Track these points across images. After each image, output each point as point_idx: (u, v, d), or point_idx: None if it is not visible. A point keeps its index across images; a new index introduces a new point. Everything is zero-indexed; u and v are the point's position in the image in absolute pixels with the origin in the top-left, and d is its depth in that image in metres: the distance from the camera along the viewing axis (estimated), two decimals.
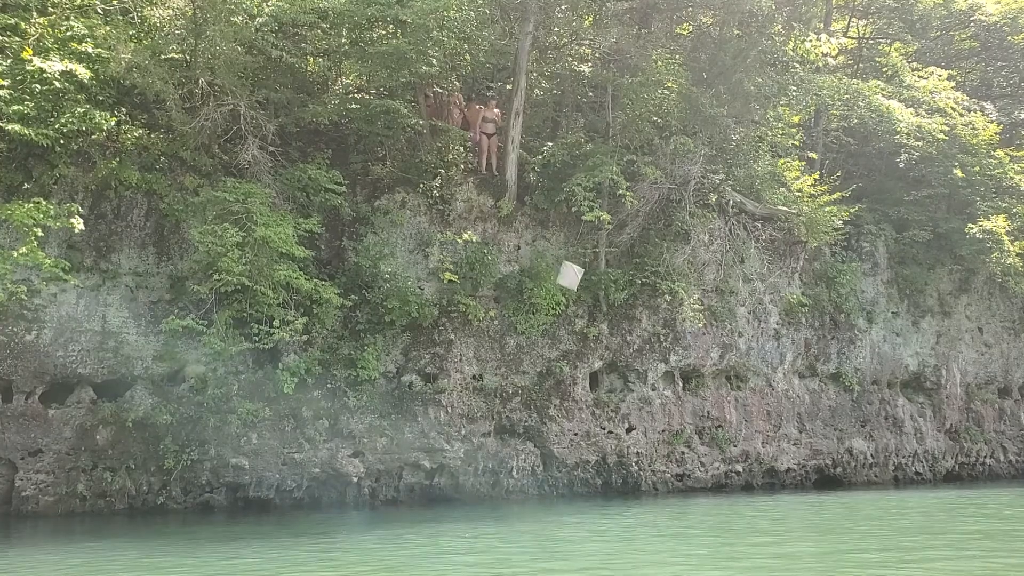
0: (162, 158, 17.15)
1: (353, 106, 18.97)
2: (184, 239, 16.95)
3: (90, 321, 16.64)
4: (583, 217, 19.19)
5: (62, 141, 15.26)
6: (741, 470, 22.57)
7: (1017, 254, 24.43)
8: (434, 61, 18.38)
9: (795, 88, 22.08)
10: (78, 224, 14.60)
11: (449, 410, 18.90)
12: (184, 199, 16.84)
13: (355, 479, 18.18)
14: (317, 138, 19.36)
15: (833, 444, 24.24)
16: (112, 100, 16.39)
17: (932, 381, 26.40)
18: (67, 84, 14.97)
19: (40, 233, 14.10)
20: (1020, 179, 26.37)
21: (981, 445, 27.16)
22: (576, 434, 20.10)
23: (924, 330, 26.54)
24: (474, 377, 19.35)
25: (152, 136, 17.22)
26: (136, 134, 17.03)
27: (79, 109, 15.10)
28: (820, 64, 23.52)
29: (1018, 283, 25.37)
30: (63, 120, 14.96)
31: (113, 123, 15.68)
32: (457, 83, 20.91)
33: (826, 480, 23.98)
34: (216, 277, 15.43)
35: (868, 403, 25.14)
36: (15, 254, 13.90)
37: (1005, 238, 24.33)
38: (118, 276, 16.90)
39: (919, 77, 27.07)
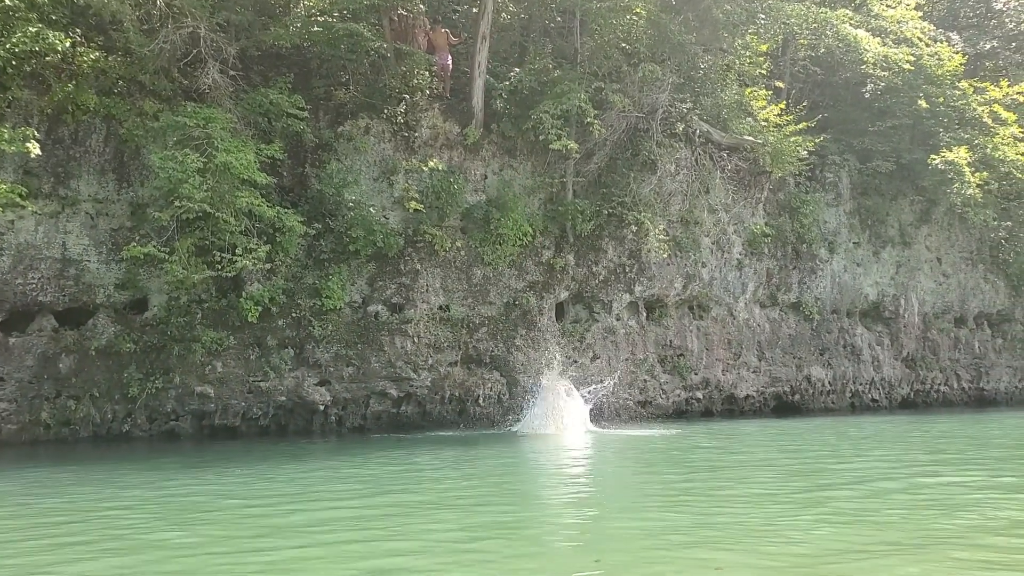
0: (120, 82, 16.74)
1: (316, 29, 18.55)
2: (144, 165, 16.63)
3: (50, 248, 16.38)
4: (551, 146, 19.07)
5: (14, 62, 14.82)
6: (701, 397, 22.98)
7: (977, 185, 24.73)
8: None
9: (763, 16, 21.95)
10: (34, 148, 14.24)
11: (416, 340, 18.94)
12: (144, 124, 16.50)
13: (322, 407, 18.28)
14: (279, 62, 18.95)
15: (792, 372, 24.72)
16: (66, 20, 15.89)
17: (891, 310, 26.89)
18: (17, 2, 14.46)
19: None
20: (983, 110, 26.56)
21: (936, 373, 27.86)
22: (542, 363, 20.26)
23: (884, 260, 26.92)
24: (440, 307, 19.37)
25: (109, 59, 16.74)
26: (92, 56, 16.53)
27: (31, 29, 14.61)
28: None
29: (977, 214, 25.73)
30: (14, 40, 14.48)
31: (68, 44, 15.20)
32: (422, 6, 20.43)
33: (784, 407, 24.50)
34: (177, 204, 15.17)
35: (827, 332, 25.59)
36: None
37: (966, 169, 24.59)
38: (77, 203, 16.59)
39: (887, 7, 26.98)
